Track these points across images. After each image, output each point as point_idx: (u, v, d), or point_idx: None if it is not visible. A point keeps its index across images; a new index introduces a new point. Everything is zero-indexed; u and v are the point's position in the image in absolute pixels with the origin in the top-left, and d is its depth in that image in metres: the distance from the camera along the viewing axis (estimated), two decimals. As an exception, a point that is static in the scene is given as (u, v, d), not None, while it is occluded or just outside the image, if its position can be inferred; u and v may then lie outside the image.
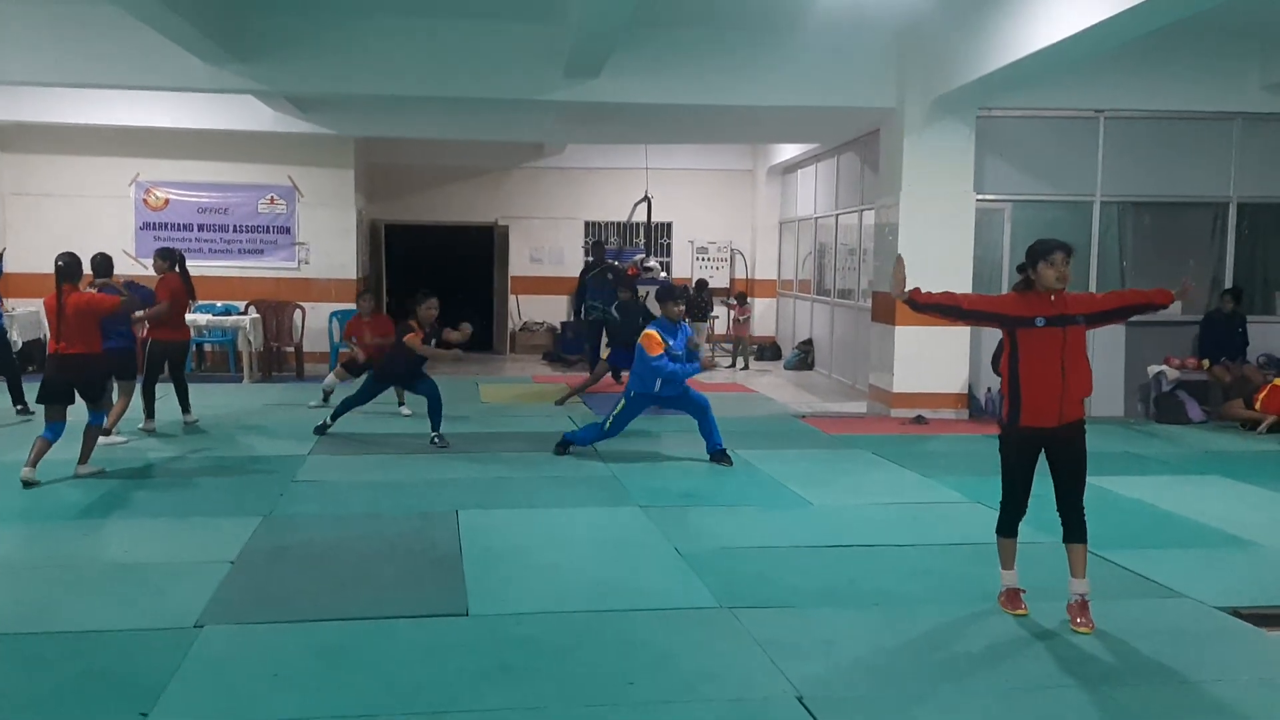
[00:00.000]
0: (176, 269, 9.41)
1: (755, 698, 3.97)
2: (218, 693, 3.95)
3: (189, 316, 10.11)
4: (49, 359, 7.43)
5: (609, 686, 4.05)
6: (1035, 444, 4.87)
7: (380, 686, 4.02)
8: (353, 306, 14.22)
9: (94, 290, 7.94)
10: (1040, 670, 4.30)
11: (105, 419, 7.60)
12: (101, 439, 8.29)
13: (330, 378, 10.82)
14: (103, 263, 8.83)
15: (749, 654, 4.40)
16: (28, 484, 7.03)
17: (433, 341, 8.84)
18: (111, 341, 8.54)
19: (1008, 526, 5.01)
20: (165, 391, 9.53)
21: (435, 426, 8.85)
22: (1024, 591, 4.95)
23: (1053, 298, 4.76)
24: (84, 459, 7.48)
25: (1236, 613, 5.03)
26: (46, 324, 7.76)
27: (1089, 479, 7.81)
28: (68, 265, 7.39)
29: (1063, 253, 4.71)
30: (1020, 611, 4.89)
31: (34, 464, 7.11)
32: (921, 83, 10.20)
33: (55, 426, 7.20)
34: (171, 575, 5.33)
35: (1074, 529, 4.87)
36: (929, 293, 5.04)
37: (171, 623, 4.64)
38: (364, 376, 9.64)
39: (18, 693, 3.93)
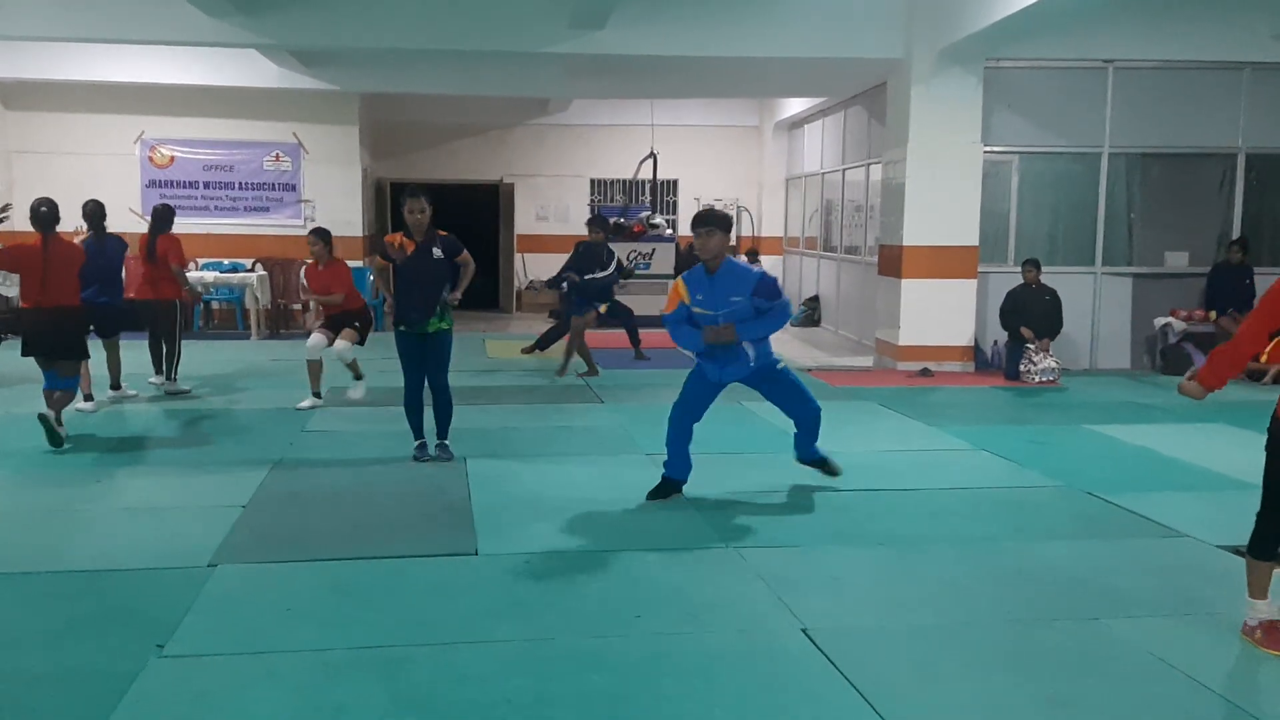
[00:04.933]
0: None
1: (761, 630, 4.04)
2: (233, 626, 4.02)
3: (196, 275, 9.90)
4: (33, 312, 6.97)
5: (617, 619, 4.12)
6: None
7: (392, 621, 4.08)
8: (360, 264, 14.23)
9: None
10: (1044, 603, 4.36)
11: (76, 384, 7.26)
12: (111, 392, 8.36)
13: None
14: (95, 211, 8.56)
15: (755, 590, 4.46)
16: (61, 441, 6.90)
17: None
18: (91, 295, 8.13)
19: (1268, 547, 3.98)
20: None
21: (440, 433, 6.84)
22: None
23: None
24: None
25: (1238, 551, 5.04)
26: (19, 273, 7.12)
27: (1093, 427, 7.95)
28: (51, 212, 7.03)
29: None
30: None
31: (59, 420, 7.01)
32: (929, 33, 10.12)
33: (53, 374, 7.03)
34: (185, 518, 5.41)
35: None
36: (1211, 370, 4.07)
37: (185, 562, 4.71)
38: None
39: (35, 626, 4.01)
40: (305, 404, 8.39)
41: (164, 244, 8.89)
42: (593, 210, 16.72)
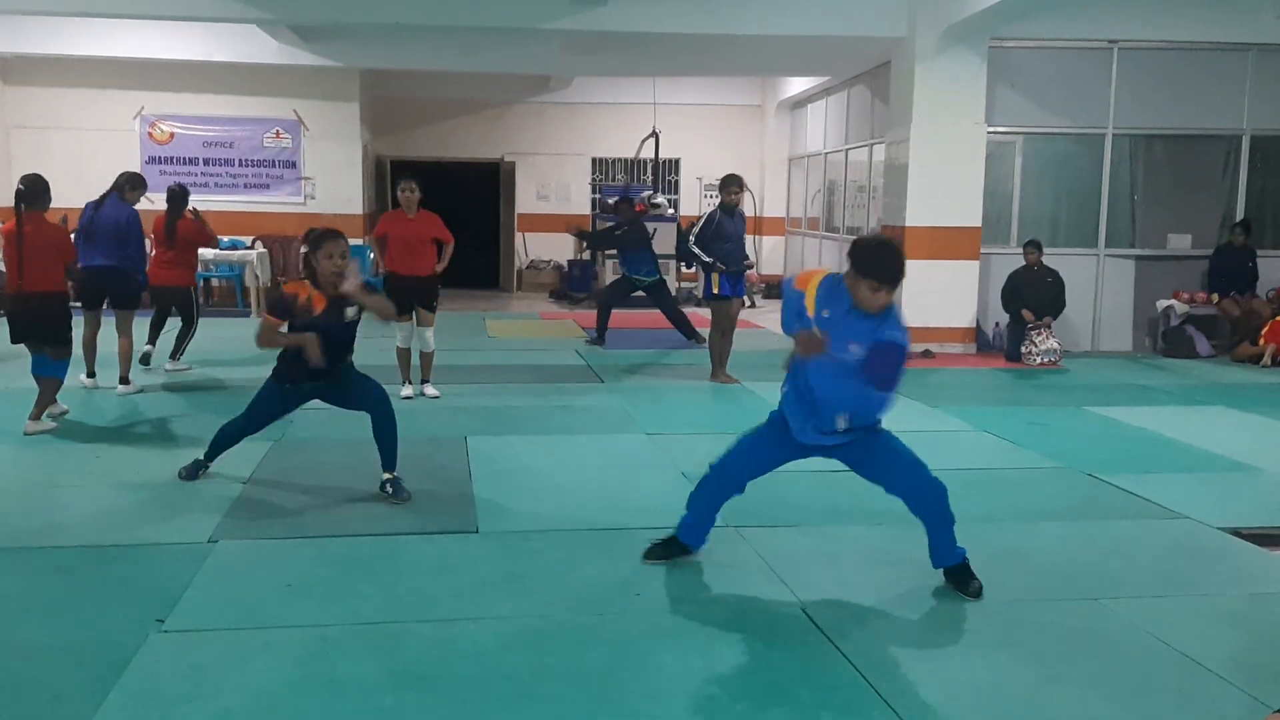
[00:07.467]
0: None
1: (759, 607, 4.05)
2: (232, 601, 4.03)
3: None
4: (13, 298, 6.66)
5: (615, 595, 4.13)
6: None
7: (392, 596, 4.09)
8: (360, 242, 14.17)
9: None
10: (1042, 583, 4.37)
11: (66, 368, 6.86)
12: (120, 388, 8.16)
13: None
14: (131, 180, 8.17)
15: (754, 567, 4.47)
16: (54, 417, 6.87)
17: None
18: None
19: None
20: (173, 325, 9.57)
21: (388, 464, 5.50)
22: None
23: None
24: (36, 414, 6.72)
25: (1237, 533, 5.07)
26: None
27: (1093, 409, 7.95)
28: (31, 190, 6.54)
29: None
30: None
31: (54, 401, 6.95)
32: (933, 12, 10.06)
33: (43, 358, 6.81)
34: (184, 495, 5.41)
35: None
36: None
37: (186, 538, 4.72)
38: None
39: (35, 600, 4.02)
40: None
41: (186, 228, 8.66)
42: (594, 189, 16.69)
